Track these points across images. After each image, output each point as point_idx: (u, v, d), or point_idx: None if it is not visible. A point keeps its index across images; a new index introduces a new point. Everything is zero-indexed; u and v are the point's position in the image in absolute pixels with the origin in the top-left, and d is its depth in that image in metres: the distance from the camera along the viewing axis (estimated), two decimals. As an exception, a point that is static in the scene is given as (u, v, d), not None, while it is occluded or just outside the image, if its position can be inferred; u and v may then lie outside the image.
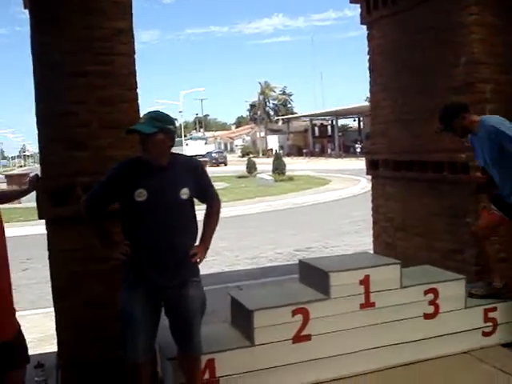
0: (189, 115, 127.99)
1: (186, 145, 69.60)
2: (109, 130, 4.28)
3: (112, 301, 3.82)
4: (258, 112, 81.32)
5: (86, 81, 4.23)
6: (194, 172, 3.56)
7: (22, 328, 3.32)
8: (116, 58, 4.28)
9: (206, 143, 77.71)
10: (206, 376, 4.00)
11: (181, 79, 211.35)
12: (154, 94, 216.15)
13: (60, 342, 4.38)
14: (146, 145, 3.37)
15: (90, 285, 4.24)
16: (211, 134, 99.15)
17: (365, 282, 4.41)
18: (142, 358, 3.49)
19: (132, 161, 3.55)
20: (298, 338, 4.26)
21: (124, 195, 3.41)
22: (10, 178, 30.33)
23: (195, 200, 3.57)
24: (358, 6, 7.08)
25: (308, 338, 4.28)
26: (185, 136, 76.70)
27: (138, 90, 4.37)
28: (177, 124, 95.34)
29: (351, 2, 7.09)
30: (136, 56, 4.36)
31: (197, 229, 3.60)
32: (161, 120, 3.39)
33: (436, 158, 5.79)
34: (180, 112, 71.60)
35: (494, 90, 5.43)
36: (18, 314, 3.31)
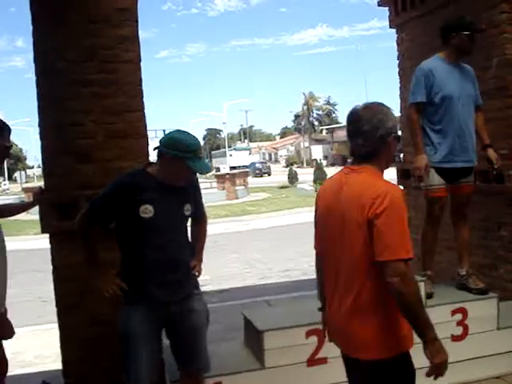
0: (234, 127, 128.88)
1: (230, 155, 69.92)
2: (114, 140, 4.14)
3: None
4: (302, 122, 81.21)
5: (91, 90, 4.10)
6: (194, 188, 3.47)
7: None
8: (121, 65, 4.15)
9: (249, 154, 77.98)
10: (214, 400, 3.78)
11: (226, 91, 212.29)
12: (199, 106, 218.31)
13: (65, 361, 4.23)
14: (180, 173, 3.19)
15: (96, 301, 4.06)
16: (255, 145, 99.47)
17: (385, 300, 4.11)
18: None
19: (137, 174, 3.33)
20: (313, 362, 3.98)
21: (127, 210, 3.19)
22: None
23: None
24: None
25: (324, 361, 3.99)
26: (229, 147, 77.05)
27: (143, 99, 4.22)
28: (221, 135, 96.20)
29: (379, 5, 6.80)
30: (142, 64, 4.20)
31: (191, 243, 3.54)
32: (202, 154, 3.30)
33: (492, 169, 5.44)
34: (224, 123, 71.83)
35: (529, 92, 5.07)
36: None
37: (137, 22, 4.18)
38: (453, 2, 5.58)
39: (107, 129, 4.10)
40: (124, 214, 3.22)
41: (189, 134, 3.22)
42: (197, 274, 3.48)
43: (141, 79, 4.20)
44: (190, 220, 3.51)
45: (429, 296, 4.32)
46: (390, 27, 6.79)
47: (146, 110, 4.26)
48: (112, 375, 3.98)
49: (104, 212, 3.30)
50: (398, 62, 6.78)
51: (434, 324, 4.17)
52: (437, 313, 4.23)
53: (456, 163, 4.45)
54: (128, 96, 4.14)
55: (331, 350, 3.96)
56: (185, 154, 3.09)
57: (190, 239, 3.48)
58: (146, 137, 4.29)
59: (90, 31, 4.07)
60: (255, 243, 14.89)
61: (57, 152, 4.11)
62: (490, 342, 4.40)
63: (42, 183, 4.25)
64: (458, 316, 4.31)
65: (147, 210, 3.16)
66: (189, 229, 3.52)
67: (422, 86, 4.42)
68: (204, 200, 3.68)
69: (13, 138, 3.39)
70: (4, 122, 3.26)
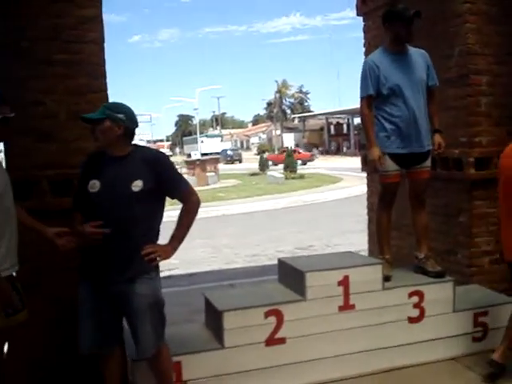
0: (206, 113, 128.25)
1: (201, 142, 69.55)
2: (77, 121, 4.06)
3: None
4: (275, 110, 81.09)
5: (54, 70, 4.04)
6: (155, 164, 3.37)
7: None
8: (85, 46, 4.09)
9: (221, 141, 77.63)
10: (173, 379, 3.81)
11: (199, 77, 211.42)
12: (171, 92, 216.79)
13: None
14: (94, 133, 3.35)
15: (56, 280, 4.05)
16: (227, 132, 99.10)
17: (344, 282, 4.19)
18: (87, 351, 3.41)
19: (95, 153, 3.51)
20: (272, 341, 4.05)
21: (83, 187, 3.37)
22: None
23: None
24: None
25: (282, 341, 4.07)
26: (201, 133, 76.61)
27: (107, 80, 4.19)
28: (193, 121, 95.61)
29: (347, -7, 6.84)
30: (105, 45, 4.17)
31: (158, 224, 3.45)
32: (111, 108, 3.37)
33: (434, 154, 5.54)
34: (195, 109, 71.31)
35: (490, 82, 5.16)
36: None
37: (101, 2, 4.15)
38: (418, -9, 5.64)
39: (70, 109, 4.06)
40: (81, 191, 3.39)
41: None
42: (157, 259, 3.35)
43: (104, 60, 4.17)
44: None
45: (386, 279, 4.41)
46: (358, 15, 6.84)
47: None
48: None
49: (79, 196, 3.47)
50: (364, 49, 6.83)
51: (392, 306, 4.32)
52: (394, 295, 4.38)
53: (408, 148, 4.56)
54: (91, 77, 4.11)
55: (290, 331, 4.08)
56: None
57: (155, 220, 3.42)
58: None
59: (53, 11, 4.02)
60: (223, 229, 14.92)
61: (19, 131, 4.06)
62: (446, 324, 4.52)
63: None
64: (415, 298, 4.42)
65: (94, 185, 3.31)
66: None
67: (368, 80, 4.52)
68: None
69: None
70: None
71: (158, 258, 3.35)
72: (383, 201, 4.81)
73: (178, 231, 3.44)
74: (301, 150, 55.86)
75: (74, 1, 4.05)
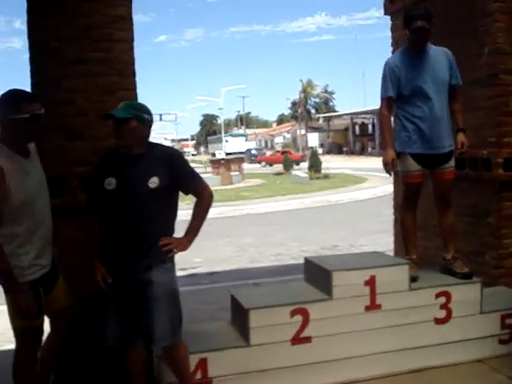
0: (231, 113, 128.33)
1: (226, 141, 69.79)
2: (106, 119, 4.15)
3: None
4: (299, 110, 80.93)
5: (85, 68, 4.11)
6: (169, 161, 3.48)
7: None
8: (115, 44, 4.15)
9: (246, 140, 77.79)
10: (199, 376, 3.86)
11: (224, 77, 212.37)
12: (197, 91, 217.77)
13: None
14: (119, 131, 3.39)
15: (86, 278, 4.10)
16: (252, 132, 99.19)
17: (370, 282, 4.17)
18: (112, 343, 3.47)
19: (110, 151, 3.62)
20: (297, 340, 4.06)
21: (99, 185, 3.44)
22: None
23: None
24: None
25: (308, 340, 4.08)
26: (226, 133, 76.85)
27: (136, 79, 4.24)
28: (218, 121, 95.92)
29: (375, -8, 6.81)
30: (134, 43, 4.22)
31: (173, 220, 3.55)
32: (136, 108, 3.45)
33: (458, 155, 5.50)
34: (220, 109, 71.75)
35: (519, 82, 5.10)
36: None
37: (131, 1, 4.20)
38: (447, -10, 5.60)
39: (100, 107, 4.11)
40: (97, 189, 3.46)
41: None
42: (174, 250, 3.42)
43: (133, 58, 4.22)
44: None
45: (413, 279, 4.39)
46: (385, 14, 6.80)
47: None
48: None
49: (94, 193, 3.55)
50: (391, 49, 6.79)
51: (418, 307, 4.29)
52: (420, 296, 4.35)
53: (430, 150, 4.55)
54: (121, 75, 4.16)
55: (315, 330, 4.08)
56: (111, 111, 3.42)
57: (171, 214, 3.52)
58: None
59: (83, 10, 4.08)
60: (248, 228, 14.94)
61: (49, 129, 4.12)
62: (473, 325, 4.48)
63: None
64: (442, 299, 4.38)
65: (111, 183, 3.39)
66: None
67: (389, 81, 4.52)
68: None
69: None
70: (19, 92, 3.30)
71: (174, 250, 3.43)
72: (407, 201, 4.79)
73: (193, 224, 3.54)
74: (292, 151, 57.92)
75: (104, 0, 4.11)
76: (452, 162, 4.69)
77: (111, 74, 4.15)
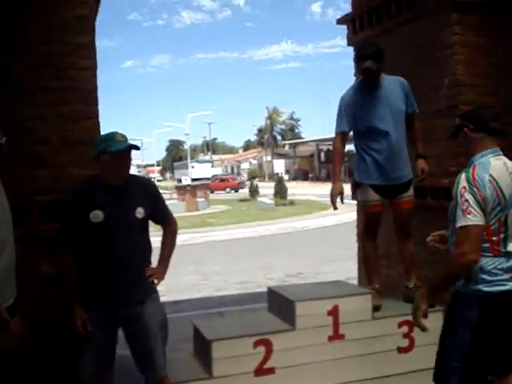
0: (197, 139, 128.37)
1: (192, 167, 69.65)
2: (70, 147, 4.11)
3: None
4: (265, 136, 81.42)
5: (46, 96, 4.07)
6: (149, 192, 3.53)
7: None
8: (78, 72, 4.13)
9: (212, 166, 77.75)
10: (160, 409, 3.76)
11: (190, 103, 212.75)
12: (163, 117, 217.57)
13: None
14: (117, 163, 3.30)
15: (47, 307, 4.01)
16: (218, 158, 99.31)
17: (333, 312, 4.17)
18: (87, 380, 3.34)
19: (89, 180, 3.51)
20: (261, 371, 4.02)
21: (80, 217, 3.32)
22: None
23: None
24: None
25: (271, 371, 4.04)
26: (192, 159, 76.76)
27: (98, 106, 4.21)
28: (184, 146, 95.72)
29: (338, 23, 6.93)
30: (97, 71, 4.21)
31: (151, 248, 3.55)
32: (126, 137, 3.39)
33: (419, 183, 5.57)
34: (186, 134, 71.70)
35: (479, 113, 5.21)
36: None
37: (94, 30, 4.19)
38: (408, 23, 5.73)
39: (62, 135, 4.08)
40: (78, 220, 3.34)
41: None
42: (155, 280, 3.48)
43: (96, 86, 4.21)
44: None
45: (376, 309, 4.40)
46: (348, 45, 6.92)
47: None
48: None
49: (71, 226, 3.40)
50: (354, 78, 6.89)
51: (381, 336, 4.29)
52: (383, 325, 4.36)
53: (387, 181, 4.60)
54: (84, 103, 4.14)
55: (279, 361, 4.04)
56: (103, 146, 3.28)
57: (149, 243, 3.54)
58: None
59: (45, 38, 4.05)
60: (213, 255, 14.86)
61: (10, 157, 4.06)
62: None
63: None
64: (405, 328, 4.39)
65: (98, 216, 3.29)
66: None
67: (344, 116, 4.56)
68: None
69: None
70: None
71: (155, 281, 3.48)
72: (367, 230, 4.83)
73: (165, 253, 3.62)
74: (230, 179, 60.34)
75: (69, 28, 4.09)
76: (411, 192, 4.75)
77: (74, 102, 4.12)
